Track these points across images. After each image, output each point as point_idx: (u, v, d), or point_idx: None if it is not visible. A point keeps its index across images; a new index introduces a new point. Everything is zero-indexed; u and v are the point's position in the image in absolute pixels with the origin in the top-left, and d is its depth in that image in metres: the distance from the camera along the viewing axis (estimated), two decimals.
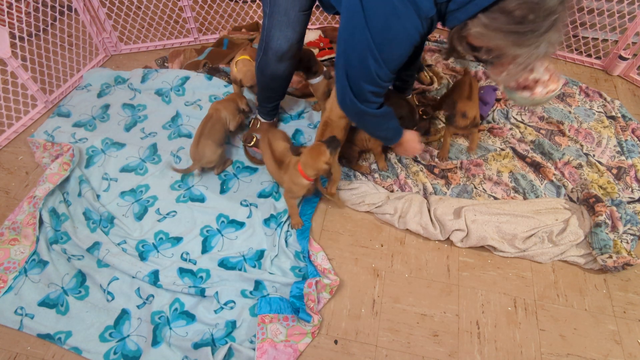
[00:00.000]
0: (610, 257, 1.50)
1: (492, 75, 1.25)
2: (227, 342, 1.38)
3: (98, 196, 1.80)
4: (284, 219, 1.69)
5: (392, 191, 1.79)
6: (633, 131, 1.98)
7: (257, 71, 1.69)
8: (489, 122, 2.04)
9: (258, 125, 1.94)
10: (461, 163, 1.87)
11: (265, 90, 1.79)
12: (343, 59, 1.26)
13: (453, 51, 1.20)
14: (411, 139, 1.64)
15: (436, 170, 1.85)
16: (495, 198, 1.75)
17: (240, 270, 1.56)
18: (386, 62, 1.20)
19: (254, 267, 1.58)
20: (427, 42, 2.51)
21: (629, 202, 1.71)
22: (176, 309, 1.47)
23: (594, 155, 1.88)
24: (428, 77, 2.24)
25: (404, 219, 1.66)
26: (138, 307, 1.48)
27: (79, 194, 1.78)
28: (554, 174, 1.79)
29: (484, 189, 1.78)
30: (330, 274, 1.53)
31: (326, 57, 2.37)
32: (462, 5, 1.06)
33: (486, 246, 1.61)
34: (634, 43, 2.22)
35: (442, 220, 1.63)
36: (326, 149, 1.50)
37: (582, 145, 1.91)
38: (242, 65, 1.91)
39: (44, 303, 1.49)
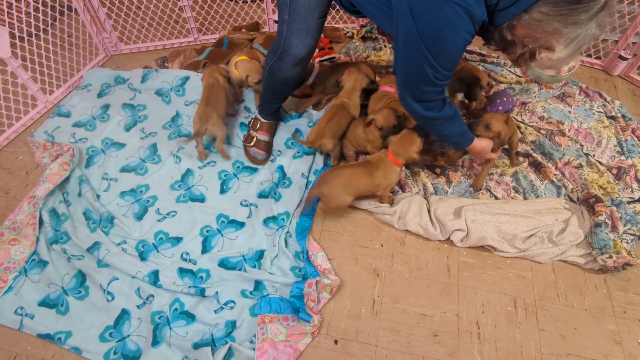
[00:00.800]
0: (610, 257, 1.50)
1: (531, 66, 1.26)
2: (227, 342, 1.38)
3: (98, 196, 1.80)
4: (285, 222, 1.69)
5: (392, 192, 1.79)
6: (633, 131, 1.98)
7: (267, 75, 1.69)
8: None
9: (258, 126, 1.94)
10: (463, 162, 1.87)
11: (272, 92, 1.79)
12: (404, 74, 1.31)
13: (504, 42, 1.22)
14: (484, 147, 1.61)
15: (437, 170, 1.85)
16: (496, 197, 1.75)
17: (240, 270, 1.56)
18: (443, 66, 1.23)
19: (254, 267, 1.58)
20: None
21: (629, 202, 1.71)
22: (176, 309, 1.47)
23: (594, 155, 1.88)
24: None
25: (404, 219, 1.66)
26: (138, 307, 1.48)
27: (79, 194, 1.78)
28: (555, 174, 1.79)
29: (487, 187, 1.78)
30: (331, 274, 1.53)
31: (326, 57, 2.37)
32: (514, 1, 1.08)
33: (486, 246, 1.61)
34: (634, 43, 2.22)
35: (442, 220, 1.63)
36: (417, 137, 1.55)
37: (582, 145, 1.91)
38: (244, 64, 1.91)
39: (44, 303, 1.49)
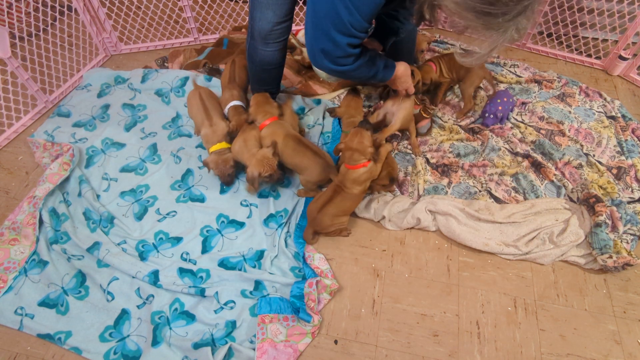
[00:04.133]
0: (611, 257, 1.50)
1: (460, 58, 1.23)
2: (227, 342, 1.38)
3: (98, 196, 1.80)
4: (284, 219, 1.69)
5: (392, 182, 1.78)
6: (633, 131, 1.98)
7: (248, 60, 1.71)
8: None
9: None
10: (463, 164, 1.87)
11: (258, 82, 1.79)
12: (311, 14, 1.25)
13: (422, 19, 1.19)
14: (404, 73, 1.62)
15: (440, 170, 1.85)
16: (496, 198, 1.75)
17: (240, 270, 1.56)
18: (358, 8, 1.17)
19: (254, 267, 1.58)
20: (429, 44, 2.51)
21: (629, 202, 1.71)
22: (176, 309, 1.47)
23: (594, 155, 1.88)
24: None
25: (393, 221, 1.68)
26: (138, 307, 1.48)
27: (79, 194, 1.78)
28: (555, 174, 1.79)
29: (487, 189, 1.78)
30: (327, 277, 1.52)
31: None
32: None
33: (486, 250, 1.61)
34: (634, 43, 2.22)
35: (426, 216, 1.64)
36: (364, 131, 1.54)
37: (582, 145, 1.91)
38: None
39: (44, 303, 1.49)
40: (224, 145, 1.75)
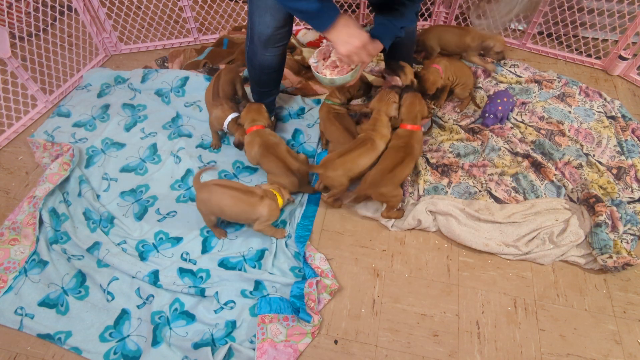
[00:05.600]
0: (611, 257, 1.50)
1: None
2: (227, 342, 1.38)
3: (98, 196, 1.80)
4: (282, 215, 1.69)
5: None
6: (633, 131, 1.98)
7: (247, 63, 1.70)
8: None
9: None
10: (463, 164, 1.87)
11: (258, 84, 1.79)
12: None
13: None
14: (348, 28, 1.35)
15: (440, 170, 1.85)
16: (496, 198, 1.75)
17: (240, 270, 1.56)
18: None
19: (254, 267, 1.58)
20: None
21: (629, 202, 1.71)
22: (176, 309, 1.47)
23: (594, 155, 1.88)
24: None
25: (395, 224, 1.68)
26: (138, 307, 1.48)
27: (79, 194, 1.78)
28: (555, 174, 1.79)
29: (487, 189, 1.78)
30: (328, 277, 1.52)
31: None
32: None
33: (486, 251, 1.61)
34: (634, 43, 2.22)
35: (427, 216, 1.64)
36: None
37: (582, 145, 1.91)
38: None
39: (44, 303, 1.49)
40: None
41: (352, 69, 1.53)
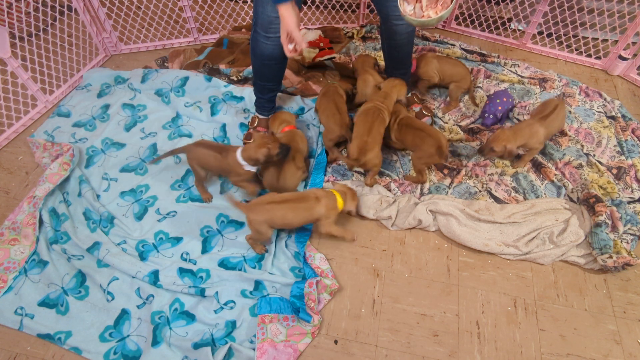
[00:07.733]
0: (611, 257, 1.50)
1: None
2: (227, 342, 1.38)
3: (98, 196, 1.80)
4: None
5: (389, 189, 1.79)
6: (633, 131, 1.98)
7: (251, 52, 1.74)
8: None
9: (256, 122, 1.95)
10: (466, 165, 1.87)
11: (259, 76, 1.81)
12: None
13: None
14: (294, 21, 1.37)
15: (445, 171, 1.85)
16: (497, 198, 1.75)
17: (240, 270, 1.56)
18: None
19: (254, 267, 1.58)
20: (427, 42, 2.51)
21: (629, 202, 1.71)
22: (176, 309, 1.47)
23: (594, 155, 1.88)
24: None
25: (396, 223, 1.68)
26: (138, 307, 1.48)
27: (79, 194, 1.78)
28: (555, 174, 1.79)
29: (487, 189, 1.78)
30: (328, 277, 1.52)
31: (326, 57, 2.37)
32: None
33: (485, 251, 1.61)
34: (634, 43, 2.22)
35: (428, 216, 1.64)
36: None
37: (582, 146, 1.91)
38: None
39: (44, 303, 1.49)
40: None
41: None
